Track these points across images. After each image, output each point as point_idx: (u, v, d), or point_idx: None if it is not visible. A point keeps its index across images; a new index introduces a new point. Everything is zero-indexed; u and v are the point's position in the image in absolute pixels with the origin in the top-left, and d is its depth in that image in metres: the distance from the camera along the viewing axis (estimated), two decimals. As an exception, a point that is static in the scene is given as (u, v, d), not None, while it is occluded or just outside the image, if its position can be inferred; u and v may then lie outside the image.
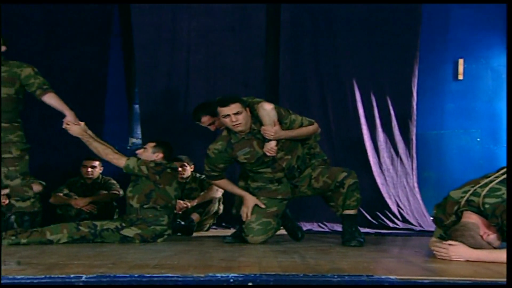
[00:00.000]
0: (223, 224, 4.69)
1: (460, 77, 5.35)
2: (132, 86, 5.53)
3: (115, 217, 4.28)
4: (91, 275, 1.88)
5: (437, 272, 2.11)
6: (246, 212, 3.21)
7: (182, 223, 3.96)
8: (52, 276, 1.88)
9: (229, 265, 2.21)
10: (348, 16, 5.04)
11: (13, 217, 3.43)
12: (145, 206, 3.30)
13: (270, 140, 3.12)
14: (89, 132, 3.47)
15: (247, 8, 5.15)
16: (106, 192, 4.36)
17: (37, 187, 4.01)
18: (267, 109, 3.12)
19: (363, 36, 5.02)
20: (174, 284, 1.86)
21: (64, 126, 3.39)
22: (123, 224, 3.27)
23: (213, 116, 3.38)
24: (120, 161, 3.36)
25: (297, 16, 5.05)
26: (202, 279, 1.88)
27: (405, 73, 5.01)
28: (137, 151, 3.51)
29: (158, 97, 5.09)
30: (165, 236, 3.34)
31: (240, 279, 1.88)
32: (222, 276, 1.89)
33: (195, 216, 4.09)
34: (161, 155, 3.47)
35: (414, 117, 5.01)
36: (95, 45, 5.09)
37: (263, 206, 3.21)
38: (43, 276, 1.88)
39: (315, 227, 4.50)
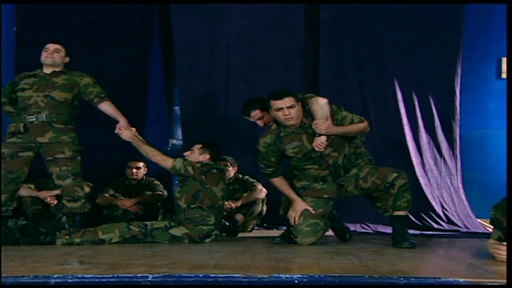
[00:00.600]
0: (265, 224, 4.69)
1: (504, 75, 5.23)
2: (171, 88, 5.58)
3: (159, 217, 4.33)
4: (157, 275, 1.90)
5: (503, 275, 2.06)
6: (293, 216, 3.20)
7: (227, 223, 3.98)
8: (120, 275, 1.91)
9: (288, 266, 2.21)
10: (389, 15, 4.98)
11: (64, 217, 3.50)
12: (192, 206, 3.34)
13: (321, 134, 3.10)
14: (139, 136, 3.59)
15: (286, 8, 5.14)
16: (150, 193, 4.41)
17: (85, 188, 4.11)
18: (321, 103, 3.12)
19: (405, 35, 4.95)
20: (239, 285, 1.87)
21: (116, 131, 3.55)
22: (172, 224, 3.31)
23: (263, 111, 3.38)
24: (167, 162, 3.42)
25: (337, 16, 5.01)
26: (266, 279, 1.88)
27: (448, 72, 4.91)
28: (185, 153, 3.56)
29: (198, 98, 5.13)
30: (213, 237, 3.36)
31: (304, 280, 1.88)
32: (286, 277, 1.89)
33: (239, 217, 4.11)
34: (207, 156, 3.50)
35: (458, 116, 4.91)
36: (137, 47, 5.17)
37: (313, 211, 3.19)
38: (111, 275, 1.91)
39: (358, 228, 4.46)
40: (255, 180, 4.43)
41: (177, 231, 3.27)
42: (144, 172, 4.52)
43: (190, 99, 5.12)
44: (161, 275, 1.91)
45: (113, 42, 5.11)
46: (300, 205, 3.21)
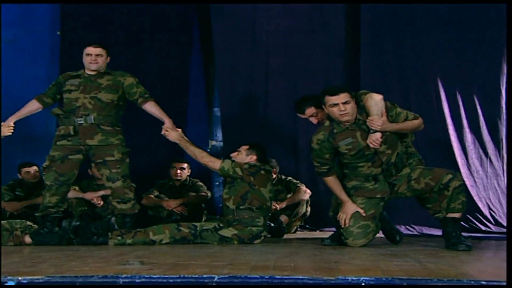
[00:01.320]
0: (307, 226, 4.67)
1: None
2: (211, 90, 5.61)
3: (203, 218, 4.36)
4: (223, 276, 1.91)
5: None
6: (344, 218, 3.17)
7: (272, 224, 3.97)
8: (186, 276, 1.92)
9: (348, 268, 2.19)
10: (430, 14, 4.90)
11: (113, 218, 3.54)
12: (241, 207, 3.34)
13: (375, 131, 3.07)
14: (185, 137, 3.61)
15: (326, 8, 5.12)
16: (195, 194, 4.44)
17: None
18: (376, 99, 3.09)
19: (448, 34, 4.86)
20: (305, 285, 1.86)
21: (163, 132, 3.56)
22: (221, 225, 3.32)
23: (317, 108, 3.36)
24: (215, 164, 3.43)
25: (378, 16, 4.96)
26: (333, 281, 1.87)
27: (492, 71, 4.81)
28: (232, 154, 3.56)
29: (238, 100, 5.15)
30: (262, 238, 3.36)
31: (371, 282, 1.86)
32: (352, 279, 1.87)
33: (283, 218, 4.10)
34: (254, 157, 3.51)
35: (504, 116, 4.80)
36: (178, 49, 5.21)
37: (363, 213, 3.15)
38: (177, 276, 1.92)
39: (403, 229, 4.37)
40: (298, 181, 4.41)
41: (226, 232, 3.28)
42: (188, 173, 4.56)
43: (230, 101, 5.14)
44: (227, 276, 1.91)
45: (154, 44, 5.18)
46: (350, 207, 3.17)
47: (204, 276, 1.91)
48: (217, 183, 5.49)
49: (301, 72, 5.12)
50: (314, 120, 3.42)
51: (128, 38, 5.20)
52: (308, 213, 4.30)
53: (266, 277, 1.90)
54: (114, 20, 5.19)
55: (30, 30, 5.45)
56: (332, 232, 4.49)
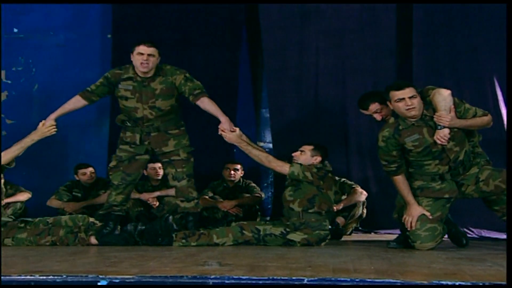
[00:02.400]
0: (360, 228, 4.62)
1: None
2: (258, 91, 5.61)
3: (257, 219, 4.35)
4: (312, 278, 1.89)
5: None
6: (410, 221, 3.10)
7: (329, 226, 3.93)
8: (275, 277, 1.91)
9: (432, 272, 2.14)
10: (484, 13, 4.80)
11: (171, 217, 3.54)
12: (309, 211, 3.28)
13: (443, 127, 3.01)
14: (244, 137, 3.46)
15: (377, 8, 5.05)
16: (249, 195, 4.44)
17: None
18: (444, 95, 3.03)
19: (503, 32, 4.73)
20: (398, 290, 1.83)
21: (219, 132, 3.42)
22: (287, 230, 3.27)
23: (381, 104, 3.31)
24: (283, 168, 3.36)
25: (431, 15, 4.88)
26: (427, 284, 1.83)
27: (551, 69, 4.66)
28: (294, 154, 3.48)
29: (288, 101, 5.12)
30: (327, 240, 3.32)
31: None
32: (448, 284, 1.82)
33: (340, 220, 4.05)
34: (319, 158, 3.45)
35: (562, 116, 4.64)
36: (226, 50, 5.21)
37: (430, 216, 3.08)
38: (265, 277, 1.91)
39: (461, 232, 4.29)
40: (353, 182, 4.36)
41: (295, 236, 3.23)
42: (241, 174, 4.56)
43: (279, 102, 5.12)
44: (316, 278, 1.89)
45: (203, 45, 5.20)
46: (416, 209, 3.10)
47: (294, 278, 1.89)
48: (265, 184, 5.48)
49: (351, 73, 5.07)
50: (378, 117, 3.36)
51: (177, 39, 5.24)
52: (364, 214, 4.25)
53: (357, 280, 1.87)
54: (164, 22, 5.24)
55: (81, 34, 5.56)
56: (387, 234, 4.50)
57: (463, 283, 1.81)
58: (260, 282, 1.89)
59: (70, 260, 2.45)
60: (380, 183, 4.88)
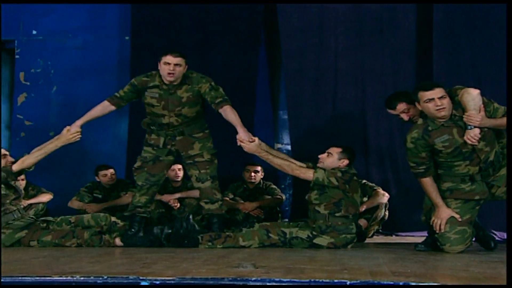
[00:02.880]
0: (380, 230, 4.58)
1: None
2: (276, 92, 5.60)
3: (278, 221, 4.33)
4: (356, 281, 1.87)
5: None
6: (438, 224, 3.07)
7: (355, 229, 3.90)
8: (317, 280, 1.89)
9: (472, 276, 2.12)
10: (505, 13, 4.75)
11: (191, 216, 3.50)
12: (336, 215, 3.26)
13: (473, 127, 2.98)
14: (263, 145, 3.42)
15: (396, 8, 5.02)
16: (270, 197, 4.42)
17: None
18: (473, 94, 3.00)
19: (524, 33, 4.70)
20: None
21: (238, 143, 3.40)
22: (314, 233, 3.25)
23: (409, 104, 3.29)
24: (307, 174, 3.33)
25: (451, 16, 4.85)
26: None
27: None
28: (320, 156, 3.45)
29: (306, 103, 5.09)
30: (353, 244, 3.30)
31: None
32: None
33: (362, 222, 4.03)
34: (346, 161, 3.40)
35: None
36: (245, 52, 5.18)
37: (459, 218, 3.05)
38: (307, 280, 1.89)
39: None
40: (374, 184, 4.33)
41: (321, 240, 3.21)
42: (261, 176, 4.54)
43: (298, 104, 5.09)
44: (358, 281, 1.87)
45: (221, 46, 5.18)
46: (445, 212, 3.07)
47: (336, 281, 1.87)
48: (283, 186, 5.46)
49: (370, 74, 5.04)
50: (405, 117, 3.33)
51: (197, 41, 5.23)
52: (387, 216, 4.22)
53: (401, 283, 1.85)
54: (183, 24, 5.24)
55: (99, 36, 5.57)
56: (408, 236, 4.47)
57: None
58: (303, 284, 1.87)
59: (102, 261, 2.45)
60: (400, 185, 4.85)
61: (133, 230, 3.36)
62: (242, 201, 4.36)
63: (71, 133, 3.35)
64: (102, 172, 4.52)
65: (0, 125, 6.01)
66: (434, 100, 2.98)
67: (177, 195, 4.30)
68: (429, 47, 4.96)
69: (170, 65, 3.37)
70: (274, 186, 4.55)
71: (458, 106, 3.06)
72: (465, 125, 3.01)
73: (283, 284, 1.87)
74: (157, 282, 1.85)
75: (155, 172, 3.51)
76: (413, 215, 4.86)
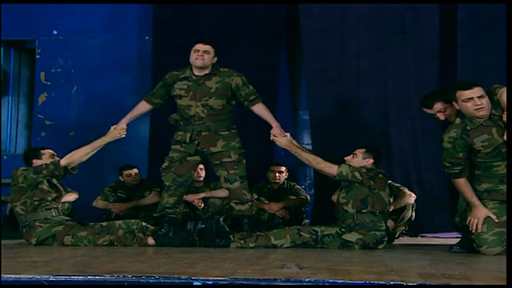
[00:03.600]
0: (404, 231, 4.54)
1: None
2: (296, 92, 5.57)
3: (303, 222, 4.30)
4: (412, 283, 1.84)
5: None
6: (475, 223, 3.03)
7: (385, 227, 3.86)
8: (370, 282, 1.86)
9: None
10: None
11: (221, 218, 3.49)
12: (363, 211, 3.26)
13: None
14: (295, 142, 3.52)
15: (419, 8, 4.99)
16: (295, 197, 4.40)
17: (224, 192, 4.16)
18: None
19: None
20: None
21: (271, 138, 3.48)
22: (343, 230, 3.25)
23: (446, 103, 3.25)
24: (332, 169, 3.36)
25: (476, 15, 4.81)
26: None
27: None
28: (346, 157, 3.48)
29: (328, 103, 5.06)
30: (385, 243, 3.28)
31: None
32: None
33: (389, 223, 3.96)
34: (371, 160, 3.43)
35: None
36: (266, 52, 5.16)
37: (496, 219, 3.01)
38: (362, 282, 1.87)
39: None
40: (399, 185, 4.30)
41: (350, 237, 3.21)
42: (286, 176, 4.51)
43: (319, 104, 5.06)
44: (415, 283, 1.84)
45: (244, 47, 5.16)
46: (482, 211, 3.03)
47: (392, 283, 1.84)
48: (303, 186, 5.43)
49: (393, 74, 5.00)
50: (441, 116, 3.29)
51: (218, 41, 5.17)
52: (413, 217, 4.18)
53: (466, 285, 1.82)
54: (204, 24, 5.22)
55: (119, 36, 5.57)
56: (434, 238, 4.43)
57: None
58: (358, 285, 1.84)
59: (142, 261, 2.42)
60: (423, 186, 4.82)
61: (163, 230, 3.33)
62: (267, 201, 4.33)
63: (117, 130, 3.51)
64: (126, 172, 4.51)
65: (16, 124, 6.03)
66: (473, 100, 2.95)
67: (202, 195, 4.28)
68: (453, 47, 4.93)
69: (199, 51, 3.52)
70: (298, 187, 4.53)
71: (497, 105, 3.02)
72: (504, 125, 2.97)
73: (337, 284, 1.84)
74: (210, 282, 1.83)
75: (182, 173, 3.49)
76: (436, 216, 4.83)
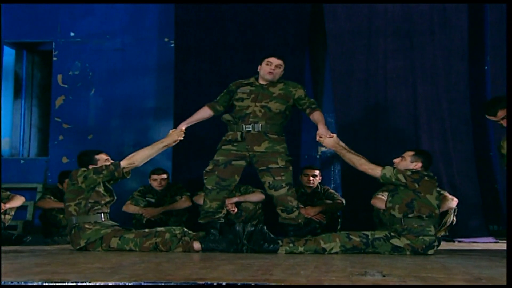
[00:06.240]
0: (444, 236, 4.42)
1: None
2: (319, 95, 5.45)
3: (339, 226, 4.17)
4: None
5: None
6: None
7: (434, 232, 3.73)
8: None
9: None
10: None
11: (265, 227, 3.34)
12: (409, 216, 3.14)
13: None
14: (341, 143, 3.44)
15: (448, 9, 4.92)
16: (332, 201, 4.27)
17: (260, 195, 4.03)
18: None
19: None
20: None
21: (317, 139, 3.45)
22: (392, 234, 3.13)
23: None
24: (375, 171, 3.25)
25: (505, 16, 4.73)
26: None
27: None
28: (394, 160, 3.36)
29: (355, 105, 4.96)
30: (435, 248, 3.15)
31: None
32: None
33: (431, 228, 3.86)
34: (419, 164, 3.30)
35: None
36: (293, 54, 5.03)
37: None
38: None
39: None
40: (440, 189, 4.17)
41: (398, 242, 3.08)
42: (319, 180, 4.39)
43: (346, 107, 4.96)
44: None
45: (269, 48, 5.01)
46: None
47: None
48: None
49: (421, 76, 4.92)
50: (505, 123, 3.19)
51: (242, 42, 5.11)
52: (454, 222, 4.06)
53: None
54: (228, 24, 5.12)
55: (138, 38, 5.44)
56: (472, 243, 4.31)
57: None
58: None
59: (213, 267, 2.24)
60: (455, 189, 4.70)
61: (211, 236, 3.19)
62: (301, 206, 4.20)
63: (176, 133, 3.47)
64: (153, 176, 4.37)
65: (29, 128, 5.86)
66: None
67: (235, 199, 4.13)
68: (482, 48, 4.86)
69: (272, 65, 3.52)
70: (332, 191, 4.40)
71: None
72: None
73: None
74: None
75: (226, 176, 3.37)
76: (470, 220, 4.72)
